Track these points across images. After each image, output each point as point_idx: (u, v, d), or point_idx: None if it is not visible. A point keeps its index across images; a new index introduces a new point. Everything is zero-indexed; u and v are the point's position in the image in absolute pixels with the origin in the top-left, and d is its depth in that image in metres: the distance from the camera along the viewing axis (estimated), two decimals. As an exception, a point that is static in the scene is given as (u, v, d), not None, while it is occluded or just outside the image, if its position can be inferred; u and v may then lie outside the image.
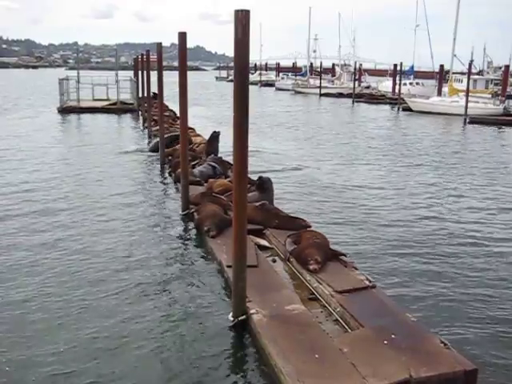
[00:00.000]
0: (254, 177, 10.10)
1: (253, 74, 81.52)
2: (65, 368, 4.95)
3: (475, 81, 43.27)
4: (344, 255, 7.32)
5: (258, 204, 8.91)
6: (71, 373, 4.89)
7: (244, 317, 5.62)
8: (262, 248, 7.89)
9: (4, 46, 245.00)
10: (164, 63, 14.90)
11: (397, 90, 45.66)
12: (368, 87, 60.23)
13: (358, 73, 61.23)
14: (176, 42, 9.93)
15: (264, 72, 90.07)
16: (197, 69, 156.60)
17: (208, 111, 34.34)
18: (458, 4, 36.61)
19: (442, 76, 44.75)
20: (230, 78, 79.33)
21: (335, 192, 12.51)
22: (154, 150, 16.22)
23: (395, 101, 43.14)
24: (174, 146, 14.92)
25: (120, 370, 4.95)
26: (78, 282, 6.86)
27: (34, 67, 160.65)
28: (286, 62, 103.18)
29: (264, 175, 10.35)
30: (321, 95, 54.32)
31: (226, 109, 34.07)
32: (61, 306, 6.20)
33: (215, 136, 14.68)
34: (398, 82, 46.07)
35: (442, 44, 51.63)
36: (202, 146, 15.02)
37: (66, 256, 7.78)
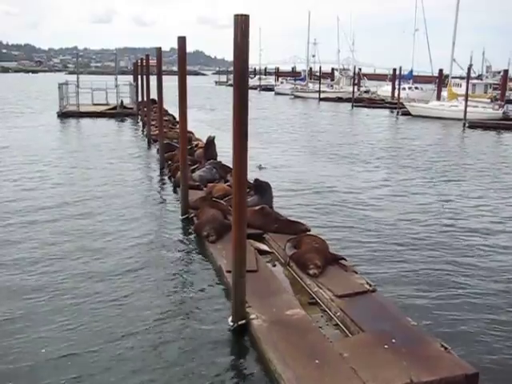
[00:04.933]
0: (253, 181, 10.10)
1: (252, 78, 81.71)
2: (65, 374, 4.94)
3: (474, 85, 43.22)
4: (344, 259, 7.31)
5: (257, 208, 8.90)
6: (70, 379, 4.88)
7: (244, 321, 5.61)
8: (262, 252, 7.88)
9: (4, 50, 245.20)
10: (163, 68, 14.92)
11: (396, 95, 45.71)
12: (367, 92, 60.20)
13: (357, 77, 61.18)
14: (175, 46, 9.95)
15: (263, 76, 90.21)
16: (196, 73, 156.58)
17: (207, 115, 34.37)
18: (457, 9, 36.75)
19: (441, 80, 44.79)
20: (230, 82, 79.35)
21: (335, 196, 12.49)
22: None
23: (394, 105, 43.17)
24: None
25: (118, 375, 4.93)
26: (76, 285, 6.83)
27: (34, 72, 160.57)
28: (286, 67, 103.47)
29: (262, 179, 10.34)
30: (320, 100, 54.32)
31: (225, 112, 34.09)
32: (59, 309, 6.17)
33: (211, 140, 14.70)
34: (397, 86, 46.13)
35: (441, 48, 51.92)
36: (201, 151, 15.03)
37: (64, 259, 7.76)
